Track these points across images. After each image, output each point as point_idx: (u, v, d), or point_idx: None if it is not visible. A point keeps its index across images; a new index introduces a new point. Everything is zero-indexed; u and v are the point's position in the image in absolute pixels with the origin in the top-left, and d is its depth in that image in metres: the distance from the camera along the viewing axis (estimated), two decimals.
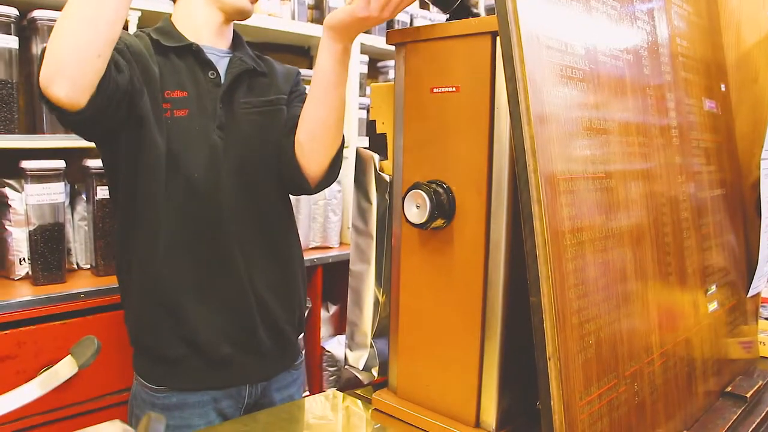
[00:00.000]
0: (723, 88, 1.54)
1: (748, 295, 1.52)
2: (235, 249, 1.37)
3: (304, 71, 2.45)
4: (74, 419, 1.77)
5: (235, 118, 1.42)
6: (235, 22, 1.50)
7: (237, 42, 1.53)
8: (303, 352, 2.45)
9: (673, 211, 1.20)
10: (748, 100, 1.55)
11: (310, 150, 1.38)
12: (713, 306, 1.34)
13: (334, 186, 2.53)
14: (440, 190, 1.05)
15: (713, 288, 1.34)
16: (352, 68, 2.40)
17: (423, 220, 1.04)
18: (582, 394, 0.89)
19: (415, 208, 1.05)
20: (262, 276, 1.42)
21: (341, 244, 2.65)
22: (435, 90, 1.08)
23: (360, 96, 2.48)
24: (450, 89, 1.06)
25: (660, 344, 1.11)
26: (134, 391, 1.43)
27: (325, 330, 2.61)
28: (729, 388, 1.33)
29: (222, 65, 1.45)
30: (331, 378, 2.56)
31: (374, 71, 2.81)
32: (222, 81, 1.42)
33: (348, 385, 1.33)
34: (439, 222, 1.05)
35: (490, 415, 1.06)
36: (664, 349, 1.12)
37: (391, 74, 2.74)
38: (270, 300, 1.43)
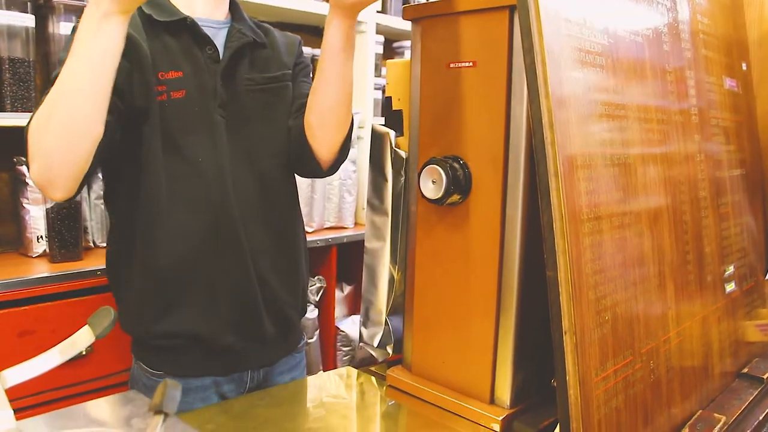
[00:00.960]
0: (744, 67, 1.52)
1: (767, 278, 1.50)
2: (241, 234, 1.30)
3: (318, 51, 2.46)
4: (86, 396, 1.79)
5: (238, 95, 1.33)
6: None
7: (234, 11, 1.42)
8: (317, 331, 2.48)
9: (691, 190, 1.19)
10: None
11: (322, 133, 1.33)
12: (730, 287, 1.33)
13: (349, 166, 2.53)
14: (456, 165, 1.04)
15: (731, 269, 1.33)
16: (368, 49, 2.39)
17: (439, 195, 1.04)
18: (597, 370, 0.88)
19: (431, 184, 1.05)
20: (267, 261, 1.35)
21: (356, 224, 2.65)
22: (452, 65, 1.07)
23: (375, 76, 2.47)
24: (467, 64, 1.05)
25: (676, 322, 1.10)
26: (134, 374, 1.37)
27: (339, 310, 2.62)
28: (746, 370, 1.32)
29: (220, 38, 1.34)
30: (345, 358, 2.57)
31: (390, 52, 2.79)
32: (221, 56, 1.32)
33: (362, 364, 1.34)
34: (455, 197, 1.05)
35: (504, 391, 1.06)
36: (680, 328, 1.11)
37: (407, 55, 2.72)
38: (275, 286, 1.37)
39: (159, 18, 1.27)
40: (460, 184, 1.04)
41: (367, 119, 2.49)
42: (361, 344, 1.30)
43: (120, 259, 1.33)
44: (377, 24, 2.41)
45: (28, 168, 1.08)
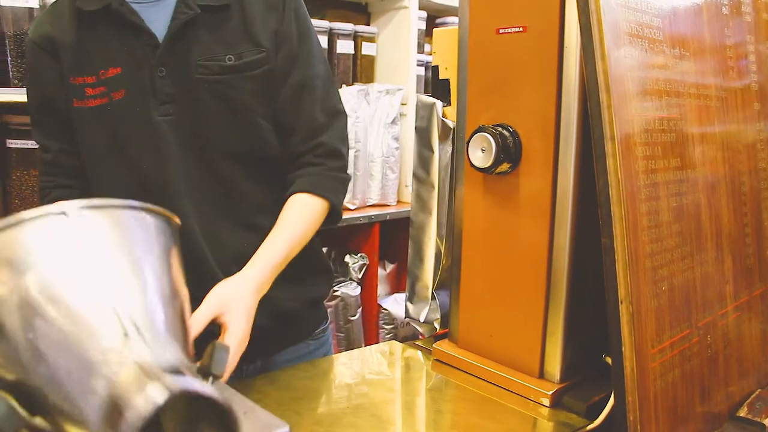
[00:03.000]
0: None
1: None
2: (205, 252, 1.13)
3: (361, 28, 2.44)
4: None
5: (190, 88, 1.11)
6: None
7: None
8: (360, 308, 2.47)
9: (750, 160, 1.15)
10: None
11: None
12: None
13: (392, 143, 2.50)
14: (506, 133, 1.02)
15: None
16: (411, 25, 2.36)
17: (488, 164, 1.01)
18: (654, 342, 0.86)
19: (480, 152, 1.02)
20: (241, 250, 1.10)
21: (399, 202, 2.63)
22: (501, 31, 1.04)
23: (419, 53, 2.44)
24: (517, 29, 1.02)
25: (734, 297, 1.06)
26: None
27: (381, 288, 2.61)
28: None
29: (162, 19, 1.10)
30: (387, 336, 2.57)
31: (432, 28, 2.75)
32: (158, 41, 1.10)
33: (404, 342, 1.33)
34: (505, 166, 1.02)
35: (554, 365, 1.04)
36: (738, 302, 1.07)
37: None
38: None
39: (87, 8, 1.10)
40: (509, 152, 1.01)
41: (411, 95, 2.46)
42: (406, 319, 1.29)
43: None
44: None
45: None
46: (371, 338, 2.56)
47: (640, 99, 0.87)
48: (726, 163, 1.06)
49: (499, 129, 1.02)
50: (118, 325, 0.50)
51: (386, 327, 2.57)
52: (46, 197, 1.21)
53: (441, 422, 1.03)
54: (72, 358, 0.49)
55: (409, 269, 1.26)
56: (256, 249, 1.07)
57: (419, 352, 1.23)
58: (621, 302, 0.82)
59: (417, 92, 2.56)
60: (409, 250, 1.26)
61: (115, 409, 0.45)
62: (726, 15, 1.10)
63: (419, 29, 2.42)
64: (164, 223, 0.61)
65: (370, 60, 2.55)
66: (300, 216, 1.13)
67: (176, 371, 0.48)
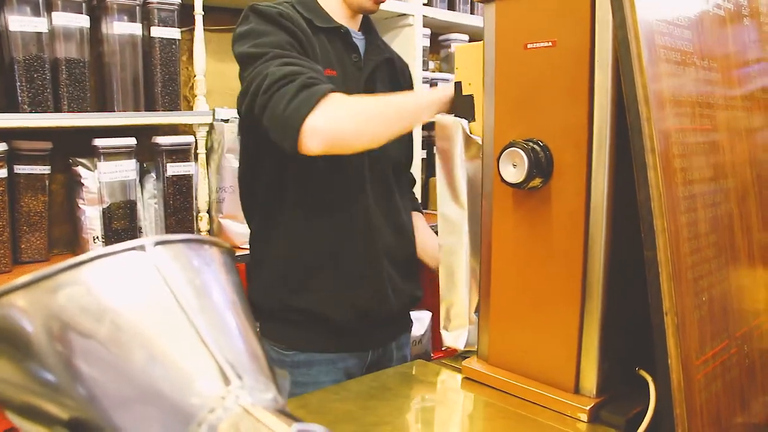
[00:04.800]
0: None
1: None
2: (372, 218, 1.41)
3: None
4: None
5: None
6: None
7: (368, 25, 1.53)
8: None
9: None
10: None
11: None
12: None
13: None
14: (537, 147, 1.02)
15: None
16: (415, 42, 2.37)
17: (521, 179, 1.01)
18: (698, 354, 0.86)
19: (512, 167, 1.02)
20: (390, 245, 1.46)
21: None
22: (529, 46, 1.04)
23: (423, 70, 2.45)
24: (546, 44, 1.02)
25: (767, 306, 1.07)
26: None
27: None
28: None
29: (360, 49, 1.46)
30: None
31: (435, 45, 2.77)
32: (362, 65, 1.44)
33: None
34: (537, 181, 1.02)
35: (590, 380, 1.03)
36: None
37: (453, 47, 2.70)
38: (400, 268, 1.48)
39: (318, 24, 1.39)
40: (542, 167, 1.01)
41: None
42: (444, 348, 1.28)
43: (260, 237, 1.46)
44: (424, 16, 2.38)
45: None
46: None
47: (676, 111, 0.88)
48: (753, 173, 1.07)
49: (531, 144, 1.02)
50: (216, 369, 0.48)
51: None
52: (323, 83, 1.24)
53: None
54: (164, 407, 0.47)
55: (442, 295, 1.24)
56: (400, 245, 1.48)
57: (448, 371, 1.22)
58: (666, 314, 0.81)
59: None
60: (440, 276, 1.25)
61: None
62: (747, 25, 1.11)
63: (424, 46, 2.44)
64: (227, 256, 0.60)
65: None
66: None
67: (279, 413, 0.46)
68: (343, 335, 1.41)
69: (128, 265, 0.51)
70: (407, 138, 1.56)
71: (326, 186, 1.38)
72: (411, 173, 1.68)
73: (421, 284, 1.60)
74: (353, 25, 1.47)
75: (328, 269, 1.38)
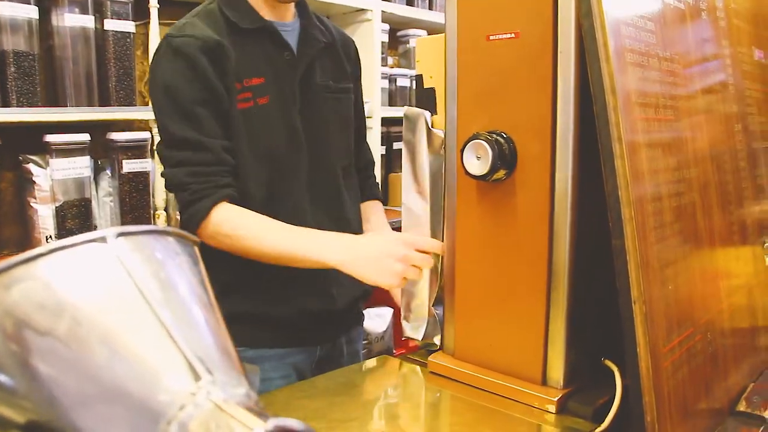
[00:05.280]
0: None
1: None
2: (309, 217, 1.37)
3: None
4: None
5: (314, 101, 1.39)
6: None
7: (303, 10, 1.44)
8: None
9: (732, 160, 1.17)
10: None
11: None
12: None
13: None
14: (501, 139, 1.01)
15: None
16: (374, 37, 2.36)
17: (485, 171, 1.01)
18: (665, 341, 0.86)
19: (476, 160, 1.02)
20: None
21: None
22: (491, 37, 1.04)
23: (382, 65, 2.44)
24: (509, 35, 1.02)
25: (728, 294, 1.08)
26: None
27: None
28: None
29: (292, 40, 1.38)
30: (362, 351, 2.53)
31: (394, 41, 2.76)
32: (296, 62, 1.36)
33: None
34: (501, 173, 1.02)
35: (557, 372, 1.03)
36: (731, 300, 1.09)
37: (411, 43, 2.69)
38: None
39: (242, 25, 1.31)
40: (506, 158, 1.01)
41: (376, 109, 2.45)
42: (404, 338, 1.27)
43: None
44: (382, 11, 2.37)
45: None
46: None
47: (641, 101, 0.88)
48: (714, 164, 1.08)
49: (494, 136, 1.01)
50: (185, 364, 0.46)
51: (362, 342, 2.54)
52: (210, 197, 1.24)
53: None
54: (131, 405, 0.45)
55: (404, 287, 1.23)
56: None
57: (414, 367, 1.21)
58: (634, 302, 0.82)
59: (383, 105, 2.55)
60: None
61: None
62: (705, 20, 1.13)
63: (382, 42, 2.43)
64: (192, 248, 0.58)
65: None
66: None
67: (252, 409, 0.44)
68: (289, 332, 1.38)
69: (89, 257, 0.49)
70: (346, 143, 1.50)
71: (264, 188, 1.33)
72: (368, 155, 1.65)
73: None
74: (285, 16, 1.39)
75: (269, 271, 1.29)
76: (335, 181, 1.45)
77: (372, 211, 1.59)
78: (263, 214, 1.28)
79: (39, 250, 0.48)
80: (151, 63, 1.32)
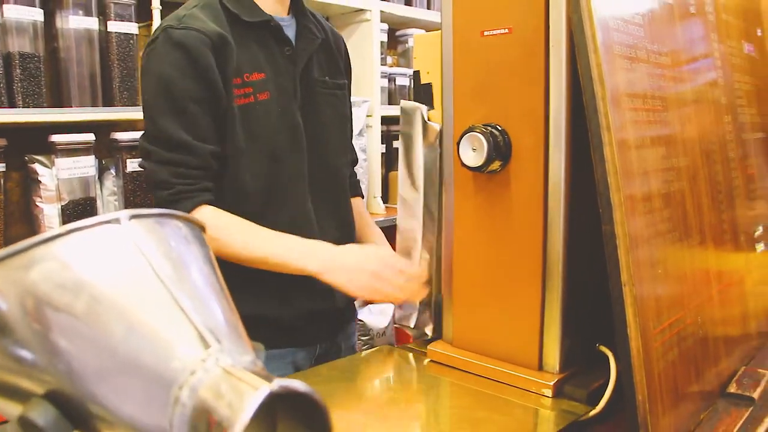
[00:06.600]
0: (759, 33, 1.54)
1: None
2: (315, 230, 1.37)
3: None
4: None
5: (314, 98, 1.39)
6: None
7: (297, 5, 1.42)
8: None
9: (721, 150, 1.20)
10: None
11: None
12: (761, 247, 1.34)
13: (360, 155, 2.52)
14: (496, 132, 1.05)
15: (760, 229, 1.35)
16: (373, 37, 2.39)
17: (481, 162, 1.04)
18: (655, 323, 0.89)
19: (472, 152, 1.05)
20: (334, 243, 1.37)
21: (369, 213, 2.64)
22: (486, 33, 1.07)
23: (381, 65, 2.47)
24: (502, 31, 1.05)
25: (718, 280, 1.11)
26: None
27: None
28: None
29: (291, 35, 1.37)
30: (364, 347, 2.56)
31: (393, 40, 2.79)
32: (296, 57, 1.36)
33: None
34: (496, 165, 1.05)
35: (553, 357, 1.06)
36: (721, 286, 1.12)
37: (410, 42, 2.73)
38: None
39: (246, 18, 1.30)
40: (501, 150, 1.04)
41: (376, 108, 2.48)
42: (395, 325, 1.30)
43: None
44: (381, 11, 2.40)
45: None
46: None
47: (629, 91, 0.91)
48: (703, 153, 1.11)
49: (489, 128, 1.05)
50: (196, 335, 0.49)
51: (362, 338, 2.56)
52: (191, 199, 1.24)
53: (449, 417, 1.05)
54: (146, 375, 0.48)
55: None
56: (344, 243, 1.33)
57: (412, 355, 1.24)
58: (624, 285, 0.85)
59: (382, 103, 2.58)
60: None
61: (203, 416, 0.45)
62: (693, 14, 1.16)
63: (381, 41, 2.46)
64: (197, 230, 0.61)
65: None
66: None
67: (258, 373, 0.48)
68: (289, 333, 1.38)
69: (104, 238, 0.52)
70: (345, 141, 1.53)
71: (264, 191, 1.32)
72: (355, 153, 1.64)
73: None
74: (282, 10, 1.38)
75: (270, 273, 1.27)
76: (336, 181, 1.46)
77: (355, 205, 1.59)
78: (262, 215, 1.28)
79: (56, 231, 0.51)
80: (145, 52, 1.28)
